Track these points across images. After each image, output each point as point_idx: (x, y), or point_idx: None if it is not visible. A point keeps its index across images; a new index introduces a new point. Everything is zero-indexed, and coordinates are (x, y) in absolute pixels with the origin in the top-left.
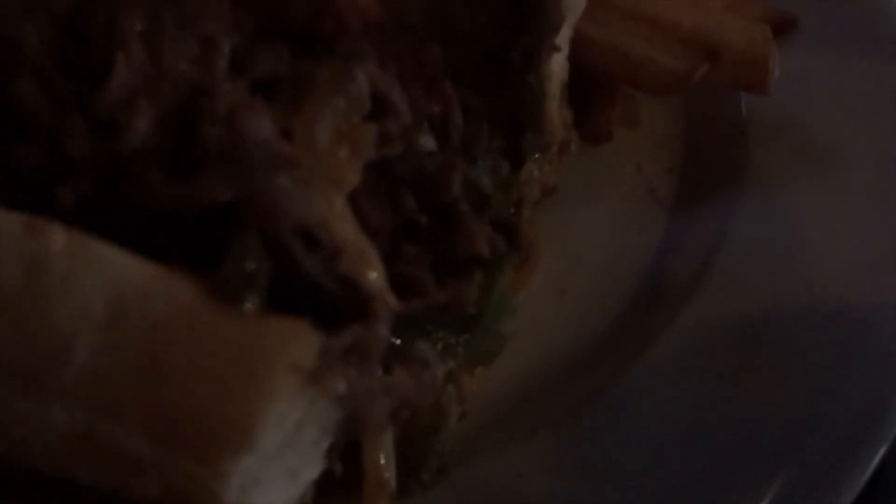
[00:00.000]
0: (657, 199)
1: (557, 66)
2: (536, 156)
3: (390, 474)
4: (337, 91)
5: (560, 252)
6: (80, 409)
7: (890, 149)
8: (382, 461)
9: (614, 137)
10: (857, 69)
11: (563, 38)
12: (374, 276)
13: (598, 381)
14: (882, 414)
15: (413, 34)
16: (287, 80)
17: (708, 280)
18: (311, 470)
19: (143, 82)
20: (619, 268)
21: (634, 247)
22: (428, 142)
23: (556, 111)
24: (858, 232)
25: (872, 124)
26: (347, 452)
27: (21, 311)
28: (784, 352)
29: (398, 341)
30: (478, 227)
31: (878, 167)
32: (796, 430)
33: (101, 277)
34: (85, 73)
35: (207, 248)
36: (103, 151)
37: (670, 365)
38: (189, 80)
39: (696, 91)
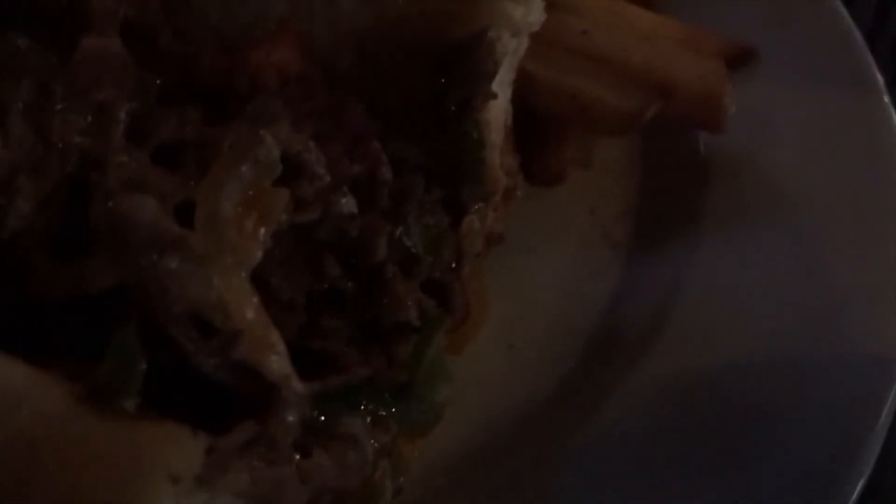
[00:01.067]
0: (612, 244)
1: (498, 110)
2: (478, 206)
3: None
4: (243, 157)
5: (509, 303)
6: None
7: (850, 186)
8: None
9: (567, 179)
10: (817, 102)
11: (503, 80)
12: (277, 360)
13: (545, 444)
14: (849, 462)
15: (338, 90)
16: (193, 147)
17: (664, 330)
18: None
19: (26, 158)
20: (572, 319)
21: (588, 295)
22: (349, 204)
23: (497, 158)
24: (819, 271)
25: (832, 160)
26: None
27: None
28: (744, 406)
29: (321, 416)
30: (406, 293)
31: (838, 206)
32: (759, 488)
33: None
34: None
35: (91, 342)
36: None
37: (624, 424)
38: (81, 152)
39: (653, 129)
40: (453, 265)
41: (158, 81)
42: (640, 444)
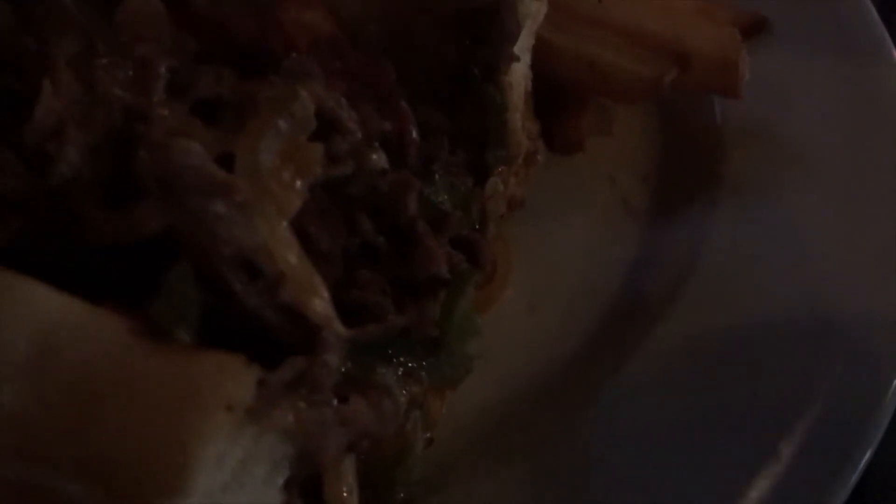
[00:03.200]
0: (631, 210)
1: (519, 75)
2: (501, 169)
3: None
4: (280, 111)
5: (531, 267)
6: (10, 455)
7: (864, 149)
8: (345, 494)
9: (586, 147)
10: (829, 69)
11: (523, 46)
12: (320, 303)
13: (572, 402)
14: (868, 417)
15: (369, 50)
16: (230, 102)
17: (684, 292)
18: None
19: (73, 109)
20: (593, 282)
21: (608, 260)
22: (380, 159)
23: (519, 122)
24: (836, 237)
25: (846, 124)
26: (309, 486)
27: None
28: (765, 362)
29: (356, 368)
30: (437, 247)
31: (853, 169)
32: (778, 441)
33: (26, 317)
34: (17, 105)
35: (143, 282)
36: (33, 184)
37: (647, 383)
38: (124, 105)
39: (670, 97)
40: (477, 226)
41: (194, 44)
42: (661, 402)
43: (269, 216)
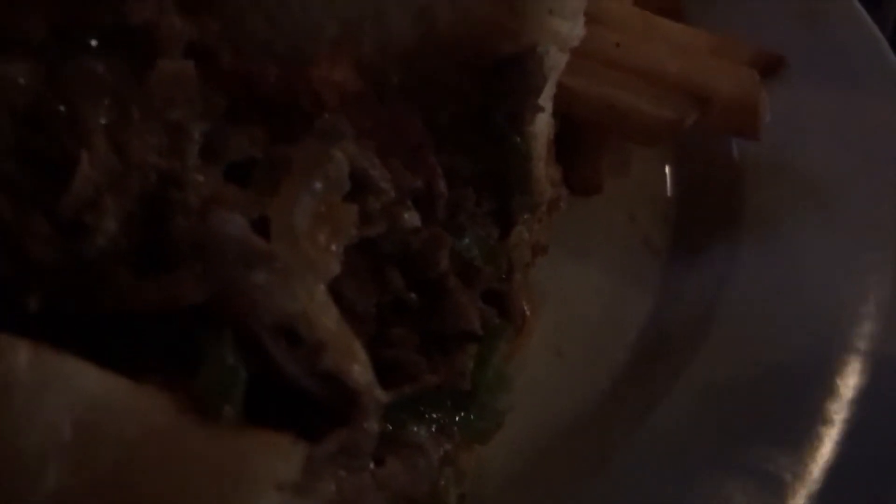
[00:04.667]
0: (653, 249)
1: (543, 124)
2: (525, 217)
3: None
4: (314, 172)
5: (555, 311)
6: None
7: (882, 185)
8: None
9: (605, 188)
10: (846, 105)
11: (547, 95)
12: (360, 370)
13: (601, 447)
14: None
15: (395, 102)
16: (263, 163)
17: (709, 331)
18: None
19: (109, 178)
20: (618, 324)
21: (632, 300)
22: (412, 218)
23: (543, 170)
24: (856, 272)
25: (863, 159)
26: None
27: None
28: (791, 404)
29: (390, 427)
30: (468, 302)
31: (874, 206)
32: (802, 483)
33: (69, 396)
34: (49, 172)
35: (184, 353)
36: (70, 254)
37: (676, 424)
38: (159, 172)
39: (687, 136)
40: (504, 276)
41: (224, 102)
42: (688, 445)
43: (307, 282)
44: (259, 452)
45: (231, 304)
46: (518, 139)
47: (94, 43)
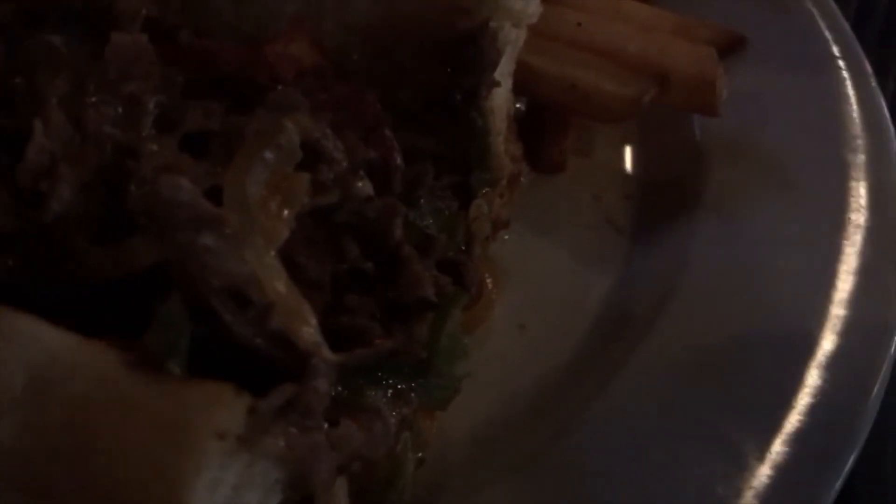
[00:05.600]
0: (616, 228)
1: (501, 99)
2: (485, 191)
3: None
4: (267, 143)
5: (519, 286)
6: (9, 489)
7: (840, 161)
8: None
9: (569, 167)
10: (807, 85)
11: (504, 71)
12: (309, 331)
13: (560, 418)
14: (850, 423)
15: (352, 81)
16: (218, 135)
17: (669, 307)
18: None
19: (65, 148)
20: (580, 299)
21: (595, 277)
22: (366, 187)
23: (502, 145)
24: (816, 247)
25: (823, 137)
26: None
27: None
28: (748, 373)
29: (346, 392)
30: (423, 271)
31: (831, 180)
32: (762, 449)
33: (22, 352)
34: (7, 142)
35: (135, 316)
36: (27, 221)
37: (633, 396)
38: (114, 142)
39: (649, 116)
40: (463, 248)
41: (181, 78)
42: (647, 414)
43: (257, 247)
44: (201, 402)
45: (181, 268)
46: (475, 114)
47: (52, 19)
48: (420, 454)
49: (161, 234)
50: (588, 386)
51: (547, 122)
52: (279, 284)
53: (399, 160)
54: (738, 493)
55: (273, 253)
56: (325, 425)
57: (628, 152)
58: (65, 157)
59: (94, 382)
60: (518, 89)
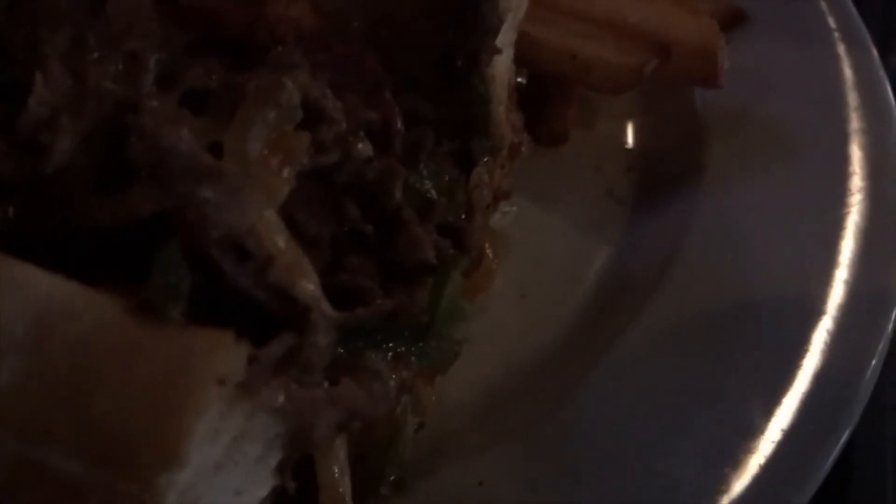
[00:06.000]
0: (617, 199)
1: (502, 68)
2: (486, 160)
3: (345, 489)
4: (267, 101)
5: (520, 255)
6: (11, 435)
7: (841, 133)
8: (337, 476)
9: (571, 138)
10: (808, 57)
11: (506, 40)
12: (308, 285)
13: (560, 385)
14: (846, 398)
15: (353, 42)
16: (218, 93)
17: (669, 277)
18: (259, 487)
19: (66, 101)
20: (580, 269)
21: (595, 247)
22: (366, 148)
23: (503, 114)
24: (816, 219)
25: (824, 110)
26: (301, 468)
27: None
28: (747, 342)
29: (346, 353)
30: (423, 233)
31: (831, 153)
32: (760, 418)
33: (22, 297)
34: (8, 94)
35: (136, 264)
36: (28, 171)
37: (633, 364)
38: (114, 97)
39: (651, 89)
40: (464, 216)
41: (182, 37)
42: (647, 382)
43: (257, 201)
44: (201, 347)
45: (181, 218)
46: (477, 81)
47: None
48: (419, 419)
49: (161, 184)
50: (587, 354)
51: (549, 94)
52: (279, 239)
53: (399, 123)
54: (744, 457)
55: (273, 209)
56: (326, 383)
57: (630, 125)
58: (65, 110)
59: (94, 327)
60: (519, 60)
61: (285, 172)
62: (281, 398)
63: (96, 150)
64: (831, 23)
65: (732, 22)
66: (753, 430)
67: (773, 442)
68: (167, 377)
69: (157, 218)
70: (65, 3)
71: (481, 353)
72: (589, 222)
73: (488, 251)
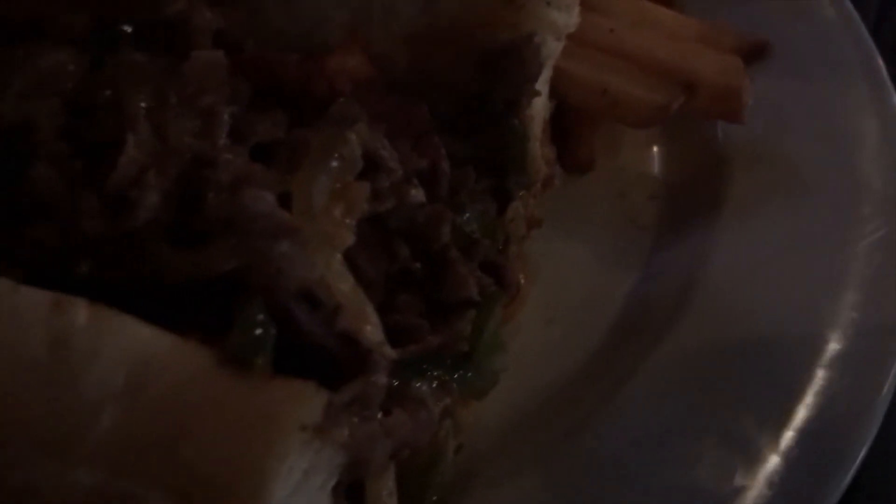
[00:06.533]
0: (640, 225)
1: (538, 106)
2: (521, 194)
3: None
4: (331, 153)
5: (546, 282)
6: (103, 471)
7: (859, 171)
8: (385, 496)
9: (597, 166)
10: (827, 93)
11: (543, 79)
12: (372, 330)
13: (584, 408)
14: (859, 422)
15: (400, 89)
16: (284, 145)
17: (688, 305)
18: None
19: (151, 158)
20: (605, 294)
21: (619, 274)
22: (418, 195)
23: (538, 150)
24: (830, 253)
25: (842, 146)
26: (352, 490)
27: (48, 384)
28: (761, 371)
29: (395, 382)
30: (467, 272)
31: (849, 189)
32: (772, 445)
33: (122, 349)
34: (95, 151)
35: (217, 315)
36: (115, 226)
37: (653, 391)
38: (193, 152)
39: (674, 119)
40: (500, 248)
41: (247, 89)
42: (665, 408)
43: (325, 252)
44: (286, 398)
45: (259, 273)
46: (516, 122)
47: (131, 33)
48: (458, 441)
49: (240, 240)
50: (610, 379)
51: (576, 124)
52: (345, 287)
53: (447, 166)
54: (752, 483)
55: (339, 257)
56: (380, 415)
57: (653, 154)
58: (151, 167)
59: (186, 378)
60: (550, 92)
61: (348, 220)
62: (346, 434)
63: (176, 204)
64: (850, 57)
65: (754, 54)
66: (763, 459)
67: (781, 468)
68: (254, 424)
69: (235, 271)
70: (145, 63)
71: (511, 376)
72: (612, 248)
73: (521, 280)
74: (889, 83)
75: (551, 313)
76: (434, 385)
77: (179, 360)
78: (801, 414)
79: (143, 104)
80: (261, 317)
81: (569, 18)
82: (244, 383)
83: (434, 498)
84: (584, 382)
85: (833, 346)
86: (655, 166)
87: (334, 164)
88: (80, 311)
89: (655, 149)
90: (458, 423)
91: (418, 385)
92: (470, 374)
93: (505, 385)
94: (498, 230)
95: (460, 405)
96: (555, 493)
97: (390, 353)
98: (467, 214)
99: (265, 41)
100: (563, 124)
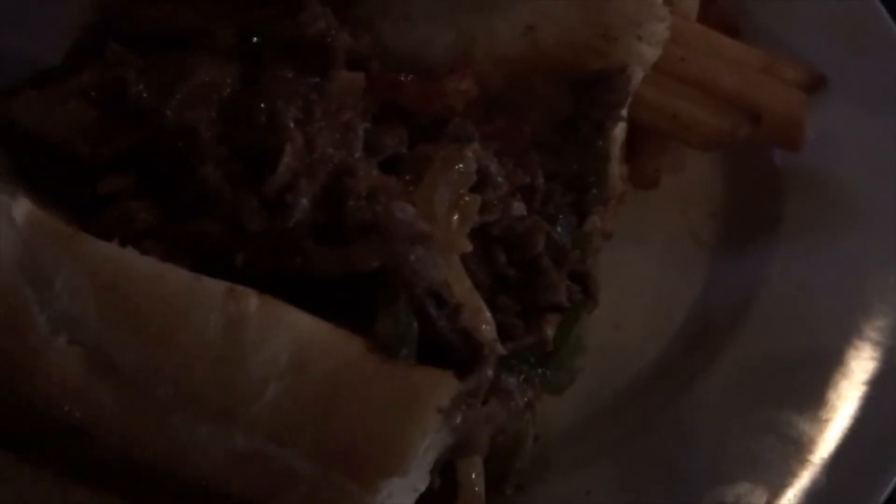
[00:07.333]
0: (700, 242)
1: (620, 129)
2: (598, 209)
3: (480, 489)
4: (451, 168)
5: (613, 289)
6: (260, 437)
7: None
8: (474, 477)
9: (662, 184)
10: (881, 123)
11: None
12: (487, 327)
13: (648, 410)
14: None
15: (499, 109)
16: (408, 158)
17: (747, 317)
18: (423, 484)
19: (303, 166)
20: (667, 305)
21: (680, 285)
22: (520, 207)
23: (617, 169)
24: (882, 276)
25: (891, 177)
26: (444, 467)
27: (222, 359)
28: (817, 382)
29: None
30: (558, 279)
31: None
32: (819, 452)
33: (288, 334)
34: (252, 156)
35: (359, 308)
36: (274, 225)
37: (714, 395)
38: (335, 162)
39: (737, 144)
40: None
41: (374, 105)
42: (727, 409)
43: (446, 255)
44: (429, 382)
45: (399, 273)
46: (600, 143)
47: (273, 48)
48: (536, 431)
49: (383, 243)
50: (672, 383)
51: (645, 143)
52: (464, 288)
53: (542, 183)
54: (799, 476)
55: (458, 261)
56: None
57: (715, 173)
58: (303, 174)
59: (342, 362)
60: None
61: (463, 229)
62: (460, 418)
63: (321, 207)
64: None
65: (812, 85)
66: (811, 457)
67: (827, 473)
68: (400, 405)
69: (375, 270)
70: (294, 79)
71: (583, 376)
72: (674, 262)
73: None
74: None
75: (619, 319)
76: (521, 379)
77: (335, 346)
78: (844, 418)
79: (294, 117)
80: (405, 312)
81: (656, 52)
82: (392, 369)
83: (515, 482)
84: (649, 384)
85: (873, 361)
86: (716, 186)
87: (453, 176)
88: (252, 300)
89: (717, 169)
90: (536, 416)
91: (507, 379)
92: (551, 372)
93: (578, 383)
94: (585, 242)
95: (538, 399)
96: (621, 483)
97: (500, 349)
98: (559, 227)
99: (382, 61)
100: (633, 143)
